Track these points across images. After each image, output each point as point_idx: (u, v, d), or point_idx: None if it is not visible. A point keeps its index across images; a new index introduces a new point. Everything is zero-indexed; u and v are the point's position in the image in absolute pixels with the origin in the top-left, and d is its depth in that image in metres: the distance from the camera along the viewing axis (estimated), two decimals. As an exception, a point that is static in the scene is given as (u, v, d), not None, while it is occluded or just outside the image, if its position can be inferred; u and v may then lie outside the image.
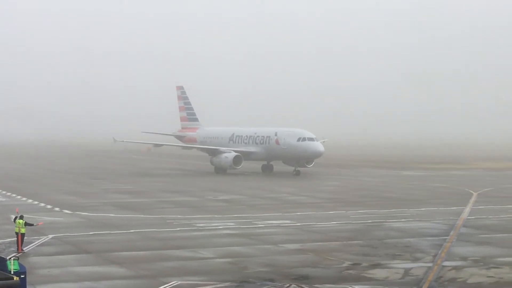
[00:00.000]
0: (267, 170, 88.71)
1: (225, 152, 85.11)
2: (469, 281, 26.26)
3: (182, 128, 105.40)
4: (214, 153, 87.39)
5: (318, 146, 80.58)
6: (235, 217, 44.39)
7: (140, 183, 70.88)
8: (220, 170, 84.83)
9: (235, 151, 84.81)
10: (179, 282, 25.80)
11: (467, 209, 48.96)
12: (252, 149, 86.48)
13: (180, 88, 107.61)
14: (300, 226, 40.74)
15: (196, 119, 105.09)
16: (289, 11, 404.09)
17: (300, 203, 53.63)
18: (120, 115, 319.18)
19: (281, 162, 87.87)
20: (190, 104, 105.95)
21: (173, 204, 52.33)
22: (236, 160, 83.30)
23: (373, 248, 33.27)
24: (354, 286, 25.36)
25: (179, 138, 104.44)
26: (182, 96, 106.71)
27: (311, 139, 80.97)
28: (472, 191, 62.05)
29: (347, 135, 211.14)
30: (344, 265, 29.24)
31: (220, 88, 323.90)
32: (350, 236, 37.00)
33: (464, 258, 30.65)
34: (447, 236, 36.90)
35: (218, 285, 25.49)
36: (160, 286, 25.25)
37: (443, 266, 28.85)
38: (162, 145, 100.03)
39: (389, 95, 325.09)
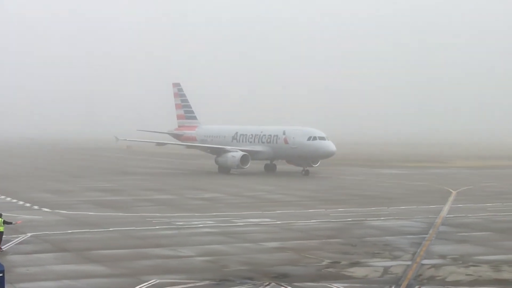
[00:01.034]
0: (270, 169, 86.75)
1: (231, 151, 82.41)
2: (448, 279, 26.36)
3: (179, 126, 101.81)
4: (219, 152, 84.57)
5: (330, 145, 78.47)
6: (215, 216, 44.33)
7: (120, 181, 70.69)
8: (225, 169, 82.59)
9: (242, 150, 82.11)
10: (158, 281, 25.74)
11: (446, 208, 49.15)
12: (258, 148, 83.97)
13: (176, 85, 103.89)
14: (280, 225, 40.75)
15: (194, 117, 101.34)
16: (290, 14, 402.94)
17: (280, 202, 53.65)
18: (114, 114, 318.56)
19: (283, 162, 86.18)
20: (188, 102, 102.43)
21: (153, 202, 52.21)
22: (244, 159, 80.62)
23: (353, 247, 33.32)
24: (333, 284, 25.38)
25: (176, 136, 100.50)
26: (179, 93, 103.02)
27: (322, 138, 78.94)
28: (451, 190, 62.30)
29: (346, 135, 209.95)
30: (324, 263, 29.27)
31: (216, 86, 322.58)
32: (329, 235, 37.05)
33: (443, 256, 30.76)
34: (426, 234, 37.02)
35: (198, 284, 25.45)
36: (139, 285, 25.18)
37: (422, 264, 28.93)
38: (165, 144, 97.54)
39: (382, 96, 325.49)
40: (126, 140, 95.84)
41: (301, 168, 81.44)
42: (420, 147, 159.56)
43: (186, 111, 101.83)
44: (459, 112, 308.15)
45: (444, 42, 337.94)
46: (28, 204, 49.80)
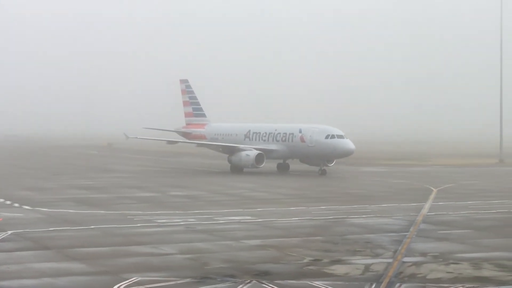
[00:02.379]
0: (283, 169, 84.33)
1: (245, 150, 79.81)
2: (428, 277, 26.45)
3: (187, 124, 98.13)
4: (232, 151, 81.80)
5: (349, 144, 75.72)
6: (196, 213, 44.30)
7: (102, 179, 70.55)
8: (238, 169, 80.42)
9: (256, 149, 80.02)
10: (139, 278, 25.69)
11: (427, 205, 49.30)
12: (272, 147, 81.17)
13: (184, 81, 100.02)
14: (261, 222, 40.77)
15: (203, 115, 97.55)
16: (292, 14, 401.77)
17: (261, 199, 53.67)
18: (117, 112, 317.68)
19: (297, 161, 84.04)
20: (196, 99, 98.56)
21: (134, 200, 52.10)
22: (259, 158, 78.78)
23: (334, 244, 33.38)
24: (314, 282, 25.41)
25: (184, 135, 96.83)
26: (187, 90, 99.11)
27: (340, 137, 76.09)
28: (432, 188, 62.49)
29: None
30: (305, 261, 29.30)
31: (223, 84, 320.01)
32: (311, 232, 37.10)
33: (423, 254, 30.86)
34: (407, 232, 37.12)
35: (179, 281, 25.42)
36: (120, 282, 25.12)
37: (403, 262, 29.01)
38: (177, 142, 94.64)
39: (381, 94, 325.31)
40: (136, 138, 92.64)
41: (318, 168, 78.65)
42: (404, 146, 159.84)
43: (194, 109, 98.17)
44: (453, 111, 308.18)
45: (444, 41, 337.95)
46: (8, 202, 49.59)
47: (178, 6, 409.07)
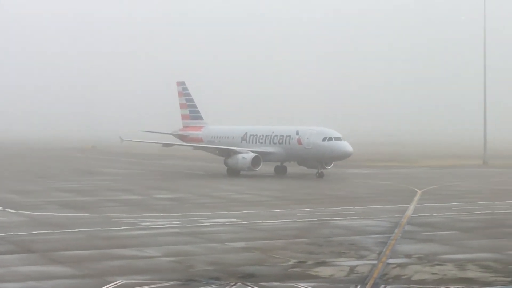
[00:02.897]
0: (280, 171, 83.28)
1: (241, 153, 78.79)
2: (413, 278, 26.50)
3: (184, 126, 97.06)
4: (228, 154, 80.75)
5: (347, 146, 75.18)
6: (181, 216, 44.23)
7: (86, 182, 70.36)
8: (235, 172, 79.15)
9: (253, 152, 78.77)
10: (124, 281, 25.63)
11: (412, 207, 49.41)
12: (269, 149, 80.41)
13: (181, 83, 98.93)
14: (246, 225, 40.75)
15: (200, 117, 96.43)
16: (292, 13, 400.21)
17: (247, 202, 53.67)
18: (114, 114, 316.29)
19: (295, 164, 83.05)
20: (193, 101, 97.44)
21: (119, 203, 51.98)
22: (255, 161, 77.22)
23: (319, 246, 33.39)
24: (299, 284, 25.41)
25: (181, 137, 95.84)
26: (184, 92, 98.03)
27: (338, 139, 75.35)
28: (416, 189, 62.65)
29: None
30: (290, 263, 29.30)
31: (221, 86, 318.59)
32: (296, 234, 37.11)
33: (408, 256, 30.92)
34: (392, 233, 37.18)
35: (164, 284, 25.37)
36: (104, 285, 25.06)
37: (388, 264, 29.06)
38: (172, 145, 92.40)
39: (379, 95, 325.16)
40: (131, 140, 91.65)
41: (315, 170, 77.68)
42: (390, 147, 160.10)
43: (191, 111, 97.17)
44: (440, 112, 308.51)
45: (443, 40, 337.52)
46: (-8, 205, 49.41)
47: (177, 6, 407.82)
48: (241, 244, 34.03)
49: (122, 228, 39.18)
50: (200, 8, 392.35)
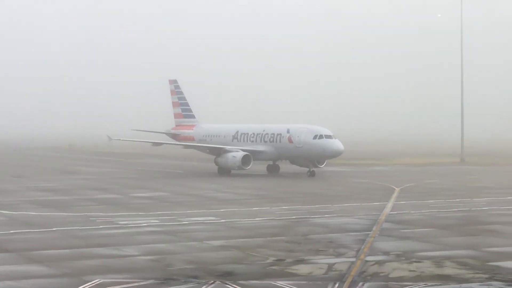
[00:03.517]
0: (273, 170, 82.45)
1: (231, 151, 77.90)
2: (391, 275, 26.58)
3: (176, 125, 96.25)
4: (219, 152, 79.91)
5: (338, 144, 74.16)
6: (159, 214, 44.15)
7: (63, 181, 70.08)
8: (225, 171, 78.38)
9: (243, 150, 77.91)
10: (102, 280, 25.54)
11: (390, 204, 49.56)
12: (260, 148, 79.42)
13: (173, 82, 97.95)
14: (225, 223, 40.73)
15: (192, 116, 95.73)
16: (290, 7, 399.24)
17: (225, 200, 53.65)
18: (107, 113, 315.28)
19: (288, 162, 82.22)
20: (185, 99, 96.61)
21: (97, 202, 51.80)
22: (245, 160, 76.24)
23: (297, 244, 33.43)
24: (278, 282, 25.42)
25: (173, 136, 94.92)
26: (176, 90, 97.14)
27: (328, 137, 74.38)
28: (394, 187, 62.84)
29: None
30: (268, 261, 29.31)
31: (214, 83, 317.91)
32: (274, 232, 37.12)
33: (386, 253, 31.01)
34: (370, 231, 37.28)
35: (142, 283, 25.30)
36: (82, 285, 24.96)
37: (366, 261, 29.13)
38: (161, 144, 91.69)
39: (377, 93, 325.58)
40: (120, 139, 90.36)
41: (307, 169, 76.98)
42: (368, 146, 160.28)
43: (183, 109, 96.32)
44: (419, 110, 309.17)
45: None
46: (-32, 205, 49.10)
47: (170, 4, 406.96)
48: (220, 242, 34.01)
49: (100, 227, 39.05)
50: (193, 4, 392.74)
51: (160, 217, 42.84)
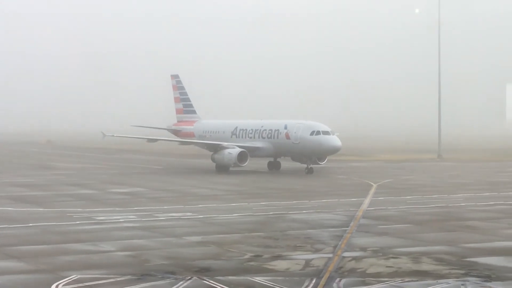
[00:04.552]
0: (273, 167, 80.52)
1: (228, 148, 75.81)
2: (368, 271, 26.65)
3: (178, 121, 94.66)
4: (215, 149, 78.01)
5: (335, 140, 72.16)
6: (136, 210, 44.04)
7: (40, 176, 69.77)
8: (223, 168, 76.32)
9: (240, 147, 75.89)
10: (78, 276, 25.46)
11: (367, 200, 49.69)
12: (258, 144, 77.45)
13: (175, 76, 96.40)
14: (202, 219, 40.70)
15: (193, 111, 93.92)
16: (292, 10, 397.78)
17: (203, 196, 53.60)
18: (109, 109, 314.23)
19: (290, 159, 79.70)
20: (187, 95, 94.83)
21: (74, 197, 51.64)
22: (241, 156, 74.20)
23: (275, 240, 33.45)
24: (255, 278, 25.42)
25: (174, 132, 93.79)
26: (178, 85, 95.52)
27: (326, 133, 72.34)
28: (372, 183, 63.01)
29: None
30: (246, 257, 29.32)
31: (216, 79, 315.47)
32: (252, 228, 37.13)
33: (363, 249, 31.09)
34: (347, 227, 37.35)
35: (119, 279, 25.24)
36: (59, 280, 24.85)
37: (343, 257, 29.19)
38: (156, 140, 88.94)
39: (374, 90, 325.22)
40: (113, 136, 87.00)
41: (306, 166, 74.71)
42: (347, 141, 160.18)
43: (185, 105, 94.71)
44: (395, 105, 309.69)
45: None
46: None
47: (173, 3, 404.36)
48: (197, 238, 33.97)
49: (77, 222, 38.92)
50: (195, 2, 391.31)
51: (137, 213, 42.74)
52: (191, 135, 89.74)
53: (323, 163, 76.84)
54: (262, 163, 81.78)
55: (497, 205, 47.71)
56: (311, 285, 24.58)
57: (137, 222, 39.30)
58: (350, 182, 64.62)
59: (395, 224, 38.81)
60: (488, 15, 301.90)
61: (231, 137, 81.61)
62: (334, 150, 73.38)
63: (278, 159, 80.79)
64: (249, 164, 75.73)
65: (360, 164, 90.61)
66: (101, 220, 39.97)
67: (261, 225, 38.46)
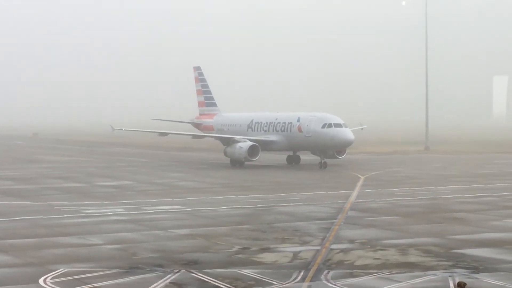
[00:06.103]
0: (293, 161, 77.83)
1: (239, 142, 73.42)
2: (356, 263, 26.71)
3: (200, 114, 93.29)
4: (228, 142, 75.57)
5: (347, 133, 69.45)
6: (124, 203, 43.98)
7: (27, 170, 69.58)
8: (236, 162, 73.73)
9: (253, 140, 73.58)
10: (66, 269, 25.42)
11: (355, 193, 49.75)
12: (272, 137, 75.17)
13: (197, 68, 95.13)
14: (190, 212, 40.68)
15: (214, 104, 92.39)
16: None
17: (191, 188, 53.57)
18: (124, 104, 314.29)
19: (309, 153, 77.71)
20: (208, 87, 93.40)
21: (61, 191, 51.52)
22: (252, 150, 71.94)
23: (263, 232, 33.48)
24: (243, 270, 25.44)
25: (196, 126, 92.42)
26: (200, 78, 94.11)
27: (338, 125, 69.55)
28: (359, 175, 63.07)
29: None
30: (234, 249, 29.33)
31: (237, 71, 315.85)
32: (239, 221, 37.15)
33: (351, 241, 31.15)
34: (335, 219, 37.41)
35: (107, 272, 25.21)
36: (47, 274, 24.80)
37: (331, 249, 29.24)
38: (167, 134, 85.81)
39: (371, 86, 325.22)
40: (122, 129, 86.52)
41: (325, 159, 71.75)
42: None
43: (206, 98, 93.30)
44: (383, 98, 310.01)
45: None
46: None
47: None
48: (185, 231, 33.98)
49: (65, 216, 38.85)
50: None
51: (125, 206, 42.70)
52: (211, 128, 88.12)
53: (342, 157, 74.97)
54: (281, 158, 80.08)
55: (484, 197, 47.87)
56: (299, 277, 24.62)
57: (125, 215, 39.27)
58: (338, 175, 64.65)
59: (383, 216, 38.89)
60: (475, 8, 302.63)
61: (247, 130, 79.83)
62: (346, 144, 71.04)
63: (298, 153, 78.50)
64: (267, 158, 74.13)
65: (348, 156, 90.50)
66: (89, 213, 39.91)
67: (249, 217, 38.47)
